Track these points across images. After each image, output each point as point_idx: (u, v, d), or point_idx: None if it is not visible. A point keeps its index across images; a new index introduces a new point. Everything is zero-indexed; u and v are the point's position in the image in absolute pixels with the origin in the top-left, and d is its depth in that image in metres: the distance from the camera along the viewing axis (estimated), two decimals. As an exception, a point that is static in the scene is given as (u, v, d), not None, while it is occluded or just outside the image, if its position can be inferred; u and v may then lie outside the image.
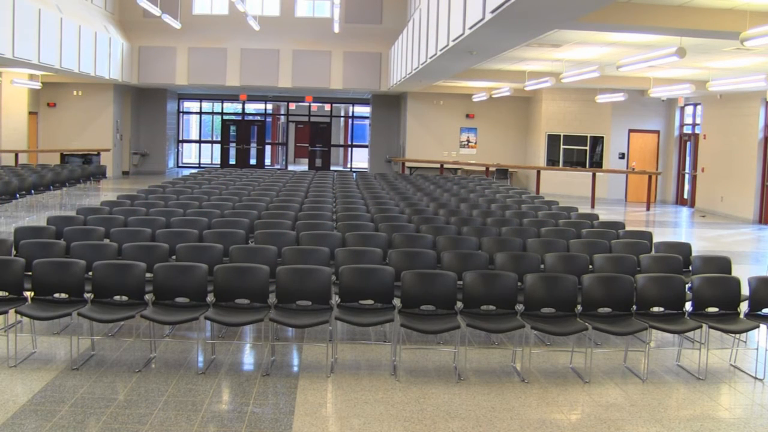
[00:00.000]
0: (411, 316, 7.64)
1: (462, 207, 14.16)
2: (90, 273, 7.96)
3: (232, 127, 37.92)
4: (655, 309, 8.05)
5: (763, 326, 8.24)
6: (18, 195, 17.76)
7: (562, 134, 29.89)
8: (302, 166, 39.19)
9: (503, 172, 29.96)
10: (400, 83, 25.95)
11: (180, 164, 37.85)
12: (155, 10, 21.24)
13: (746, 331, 8.04)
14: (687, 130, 28.10)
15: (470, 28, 12.90)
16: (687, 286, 8.37)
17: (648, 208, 25.33)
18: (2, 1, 18.57)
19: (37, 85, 27.51)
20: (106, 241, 9.74)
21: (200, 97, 38.36)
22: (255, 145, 37.79)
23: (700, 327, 7.87)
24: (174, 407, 6.40)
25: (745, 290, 8.32)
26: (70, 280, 7.74)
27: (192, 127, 41.61)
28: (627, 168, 28.50)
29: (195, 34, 29.20)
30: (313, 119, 38.86)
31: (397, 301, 7.88)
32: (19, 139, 27.83)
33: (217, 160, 37.99)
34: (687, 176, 27.82)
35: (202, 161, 39.14)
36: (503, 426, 6.29)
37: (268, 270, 7.90)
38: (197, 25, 29.42)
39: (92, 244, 9.23)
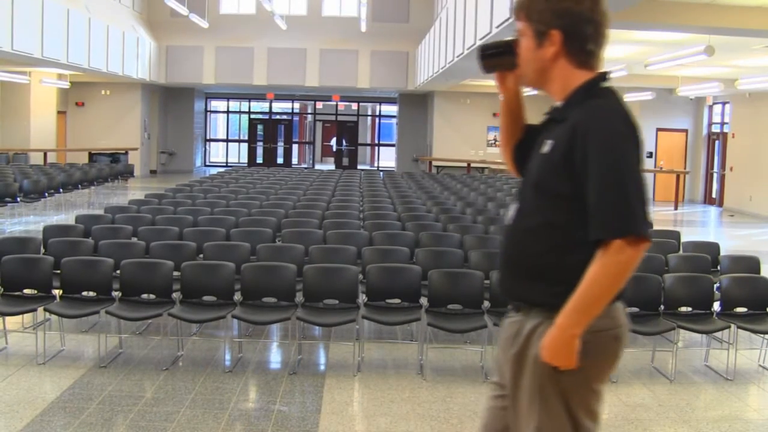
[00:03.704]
0: (438, 315, 7.62)
1: (489, 206, 14.10)
2: (118, 271, 7.99)
3: (260, 126, 38.01)
4: (683, 309, 7.99)
5: (792, 327, 8.17)
6: (46, 194, 17.90)
7: (589, 133, 29.68)
8: (329, 164, 39.22)
9: (530, 171, 29.81)
10: (427, 82, 25.94)
11: (207, 163, 37.98)
12: (183, 10, 21.37)
13: (776, 331, 7.98)
14: (715, 128, 27.88)
15: (497, 27, 12.87)
16: (715, 285, 8.30)
17: (676, 208, 25.17)
18: (31, 2, 18.74)
19: (66, 85, 27.71)
20: (134, 239, 9.79)
21: (227, 96, 38.48)
22: (282, 144, 37.87)
23: (729, 327, 7.80)
24: (201, 405, 6.43)
25: (774, 290, 8.25)
26: (98, 278, 7.78)
27: (219, 126, 41.76)
28: (655, 167, 28.33)
29: (222, 34, 29.30)
30: (340, 118, 38.91)
31: (424, 300, 7.87)
32: (47, 138, 28.06)
33: (245, 159, 38.08)
34: (715, 175, 27.59)
35: (229, 160, 39.24)
36: (530, 426, 6.27)
37: (295, 269, 7.91)
38: (224, 25, 29.54)
39: (120, 242, 9.29)
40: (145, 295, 7.76)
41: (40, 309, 7.62)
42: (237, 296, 7.80)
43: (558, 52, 3.18)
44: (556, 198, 3.10)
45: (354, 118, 38.76)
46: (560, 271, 3.07)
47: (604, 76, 3.25)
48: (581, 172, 2.98)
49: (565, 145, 3.04)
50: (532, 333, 3.14)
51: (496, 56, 3.42)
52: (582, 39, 3.16)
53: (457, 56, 17.98)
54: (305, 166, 38.72)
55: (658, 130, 28.73)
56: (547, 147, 3.17)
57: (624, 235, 2.88)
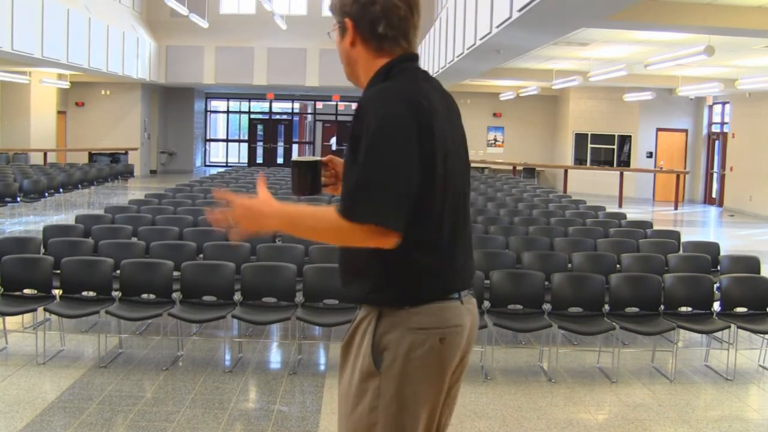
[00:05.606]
0: (437, 315, 7.59)
1: (489, 206, 14.10)
2: (118, 271, 7.99)
3: (260, 126, 38.02)
4: (683, 309, 7.99)
5: (792, 327, 8.16)
6: (47, 194, 17.90)
7: (589, 133, 29.74)
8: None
9: (530, 171, 29.88)
10: (426, 82, 25.86)
11: (207, 163, 37.97)
12: (183, 10, 21.35)
13: (776, 331, 7.98)
14: (715, 128, 27.89)
15: (497, 26, 12.87)
16: (715, 285, 8.30)
17: (676, 208, 25.17)
18: (31, 2, 18.74)
19: (66, 85, 27.70)
20: (134, 239, 9.79)
21: (227, 96, 38.46)
22: (282, 144, 37.87)
23: (729, 327, 7.80)
24: (201, 405, 6.43)
25: (774, 290, 8.25)
26: (98, 278, 7.78)
27: (219, 126, 41.70)
28: (655, 167, 28.33)
29: (222, 34, 29.28)
30: (340, 118, 38.90)
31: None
32: (47, 138, 28.07)
33: (245, 159, 38.06)
34: (715, 175, 27.59)
35: (229, 160, 39.20)
36: (530, 425, 6.28)
37: (295, 268, 7.90)
38: (224, 25, 29.52)
39: (120, 242, 9.28)
40: (145, 295, 7.75)
41: (40, 309, 7.61)
42: (237, 296, 7.80)
43: (353, 40, 3.10)
44: None
45: (354, 118, 38.71)
46: (375, 264, 2.95)
47: (403, 58, 3.11)
48: None
49: (352, 135, 2.93)
50: (357, 327, 3.08)
51: (306, 184, 3.37)
52: (371, 22, 3.05)
53: (457, 56, 17.97)
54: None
55: (658, 130, 28.76)
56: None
57: (356, 221, 2.76)
